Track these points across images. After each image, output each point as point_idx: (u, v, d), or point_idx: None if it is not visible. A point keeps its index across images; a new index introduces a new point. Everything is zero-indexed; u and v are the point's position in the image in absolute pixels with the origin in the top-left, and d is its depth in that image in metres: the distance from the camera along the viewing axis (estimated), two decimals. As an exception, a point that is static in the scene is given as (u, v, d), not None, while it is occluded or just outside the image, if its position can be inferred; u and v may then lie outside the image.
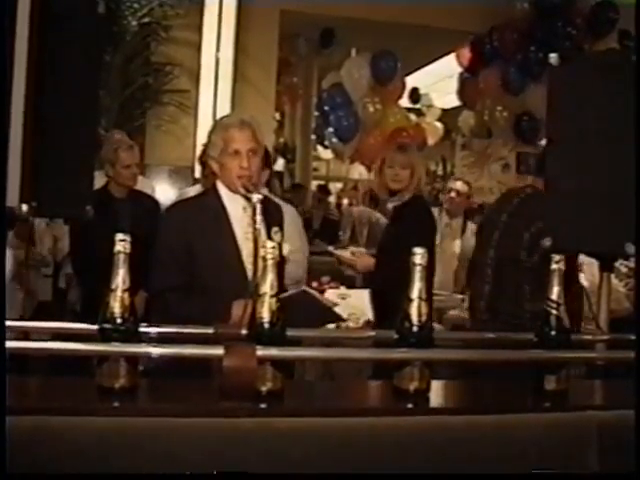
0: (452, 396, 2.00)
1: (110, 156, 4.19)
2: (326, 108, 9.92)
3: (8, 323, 1.64)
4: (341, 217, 9.09)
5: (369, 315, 3.53)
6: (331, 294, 3.52)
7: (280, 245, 1.81)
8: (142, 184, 5.02)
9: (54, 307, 4.13)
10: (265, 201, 2.61)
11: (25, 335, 1.95)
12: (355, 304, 3.52)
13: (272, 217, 2.72)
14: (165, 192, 6.77)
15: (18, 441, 1.45)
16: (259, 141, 2.83)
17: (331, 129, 9.84)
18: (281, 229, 2.80)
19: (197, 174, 6.30)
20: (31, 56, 1.75)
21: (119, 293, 1.64)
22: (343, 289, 3.69)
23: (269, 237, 2.49)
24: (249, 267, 2.66)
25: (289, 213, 3.68)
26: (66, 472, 1.49)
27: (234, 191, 2.76)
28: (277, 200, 3.29)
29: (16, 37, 1.72)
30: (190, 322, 2.00)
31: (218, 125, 2.90)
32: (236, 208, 2.78)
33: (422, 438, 1.66)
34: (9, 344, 1.55)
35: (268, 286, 1.68)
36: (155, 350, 1.70)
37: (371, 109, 9.38)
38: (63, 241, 4.13)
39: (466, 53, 9.64)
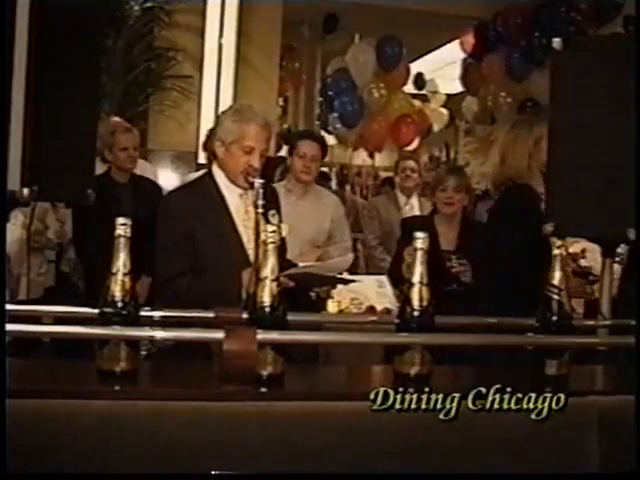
0: (452, 381, 2.01)
1: (108, 140, 4.16)
2: (330, 93, 9.86)
3: (9, 307, 1.65)
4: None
5: (373, 302, 3.54)
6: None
7: (279, 227, 1.80)
8: (145, 169, 5.01)
9: (58, 292, 4.12)
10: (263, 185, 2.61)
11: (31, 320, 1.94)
12: (358, 290, 3.52)
13: (268, 201, 2.71)
14: (168, 177, 6.76)
15: (19, 424, 1.45)
16: (270, 143, 2.83)
17: (335, 115, 9.79)
18: (278, 212, 2.81)
19: (200, 159, 6.30)
20: (32, 40, 1.74)
21: (120, 277, 1.64)
22: (346, 274, 3.69)
23: (267, 221, 2.49)
24: (250, 253, 2.67)
25: (333, 202, 4.10)
26: (65, 455, 1.49)
27: (233, 181, 2.76)
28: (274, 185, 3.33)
29: (17, 21, 1.71)
30: (202, 305, 1.98)
31: (238, 112, 2.80)
32: (233, 196, 2.79)
33: (421, 422, 1.66)
34: (11, 327, 1.56)
35: (269, 270, 1.68)
36: (156, 333, 1.70)
37: (376, 95, 9.32)
38: (68, 224, 4.13)
39: (470, 39, 9.57)
